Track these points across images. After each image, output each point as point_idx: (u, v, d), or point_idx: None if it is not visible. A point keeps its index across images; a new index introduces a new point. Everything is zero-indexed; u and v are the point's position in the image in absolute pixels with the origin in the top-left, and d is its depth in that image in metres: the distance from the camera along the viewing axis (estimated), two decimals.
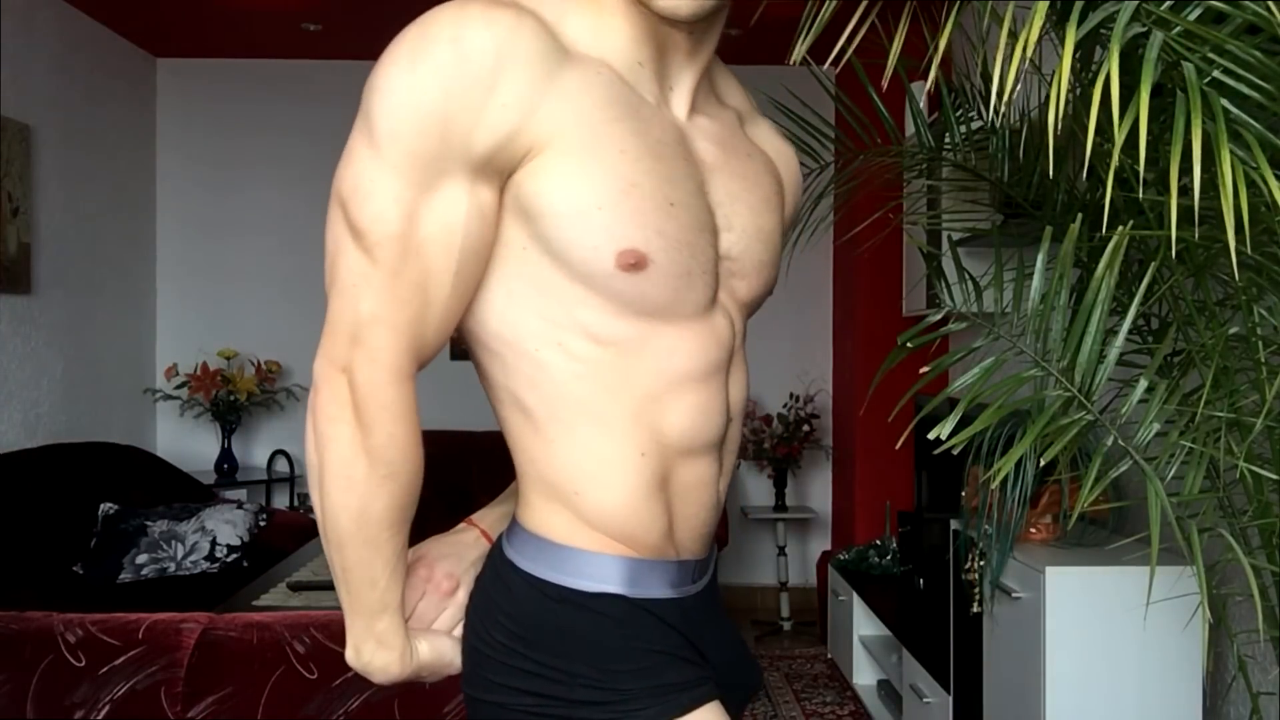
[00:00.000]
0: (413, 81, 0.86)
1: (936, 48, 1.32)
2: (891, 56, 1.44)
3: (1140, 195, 1.33)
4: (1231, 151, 1.12)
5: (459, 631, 1.03)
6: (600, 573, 0.96)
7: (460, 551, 1.07)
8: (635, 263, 0.90)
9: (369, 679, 0.98)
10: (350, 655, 0.97)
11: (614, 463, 0.95)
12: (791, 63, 1.38)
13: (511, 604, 0.98)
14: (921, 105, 2.28)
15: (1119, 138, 1.08)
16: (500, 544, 1.02)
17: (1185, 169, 1.10)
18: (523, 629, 0.96)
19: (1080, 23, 1.17)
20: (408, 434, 0.91)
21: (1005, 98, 1.11)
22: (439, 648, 1.01)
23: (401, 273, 0.88)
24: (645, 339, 0.94)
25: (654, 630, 0.97)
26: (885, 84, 1.64)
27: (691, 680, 0.97)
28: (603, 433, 0.94)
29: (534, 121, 0.88)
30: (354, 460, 0.89)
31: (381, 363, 0.89)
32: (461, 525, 1.12)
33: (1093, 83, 1.25)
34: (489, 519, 1.12)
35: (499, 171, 0.90)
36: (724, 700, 1.01)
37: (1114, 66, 1.05)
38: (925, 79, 1.81)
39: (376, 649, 0.96)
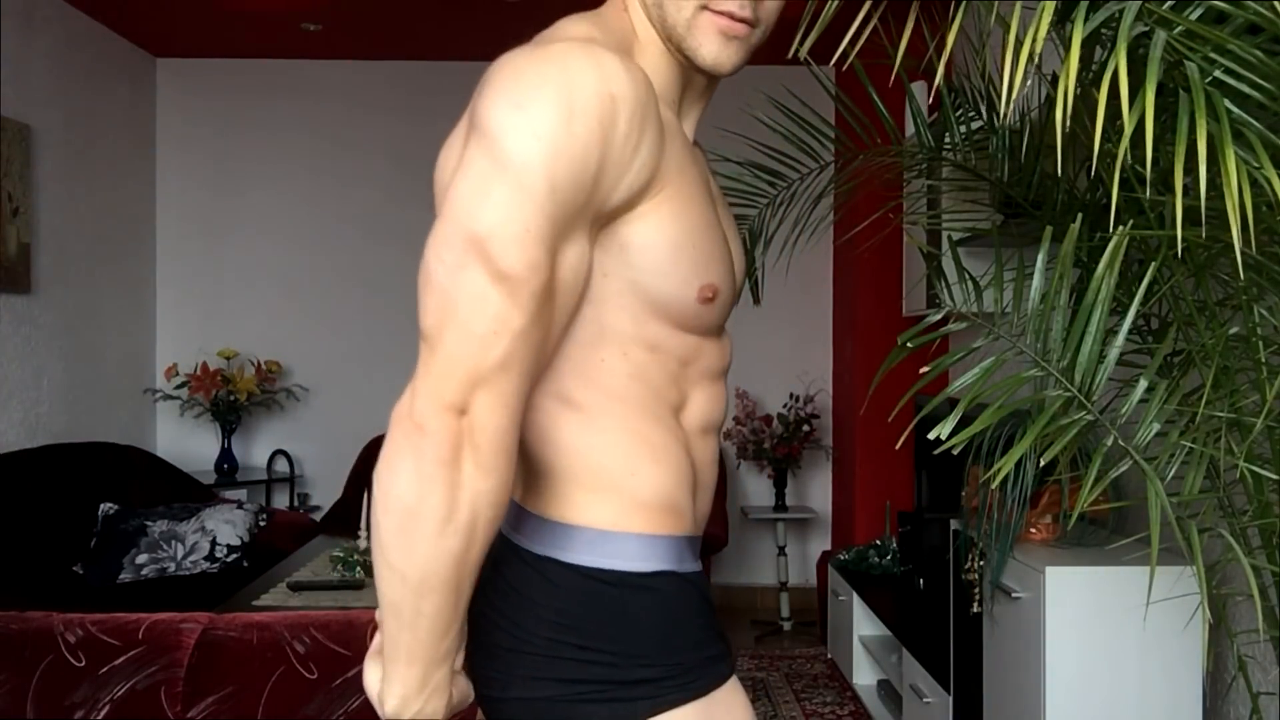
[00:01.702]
0: (574, 136, 0.87)
1: (942, 46, 1.32)
2: (898, 57, 1.44)
3: (1141, 195, 1.33)
4: (1234, 151, 1.12)
5: (459, 664, 1.01)
6: (652, 553, 1.00)
7: None
8: (711, 296, 1.01)
9: None
10: (392, 706, 0.93)
11: (663, 447, 1.02)
12: (792, 55, 1.38)
13: (557, 598, 0.99)
14: (922, 105, 2.27)
15: (1127, 133, 1.08)
16: (520, 547, 1.02)
17: (1188, 169, 1.10)
18: (572, 620, 0.98)
19: (1085, 21, 1.17)
20: (513, 479, 0.91)
21: (1012, 97, 1.11)
22: (463, 687, 0.99)
23: (541, 318, 0.89)
24: (692, 349, 1.04)
25: (699, 603, 1.03)
26: (891, 82, 1.64)
27: (724, 652, 1.04)
28: (653, 422, 1.01)
29: (658, 175, 0.95)
30: (469, 504, 0.87)
31: (511, 407, 0.88)
32: None
33: (1094, 83, 1.25)
34: None
35: (610, 217, 0.94)
36: None
37: (1122, 63, 1.05)
38: (925, 79, 1.81)
39: (429, 699, 0.93)
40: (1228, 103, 1.20)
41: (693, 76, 1.04)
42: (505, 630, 1.00)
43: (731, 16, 0.98)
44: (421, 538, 0.87)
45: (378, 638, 0.99)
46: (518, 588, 1.01)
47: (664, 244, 0.96)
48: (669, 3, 0.99)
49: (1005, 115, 1.91)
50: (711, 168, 1.16)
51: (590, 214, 0.91)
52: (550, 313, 0.90)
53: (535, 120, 0.86)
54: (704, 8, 0.98)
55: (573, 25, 1.00)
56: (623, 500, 1.00)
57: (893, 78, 1.49)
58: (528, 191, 0.86)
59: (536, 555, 1.00)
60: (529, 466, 1.03)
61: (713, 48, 0.99)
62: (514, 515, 1.04)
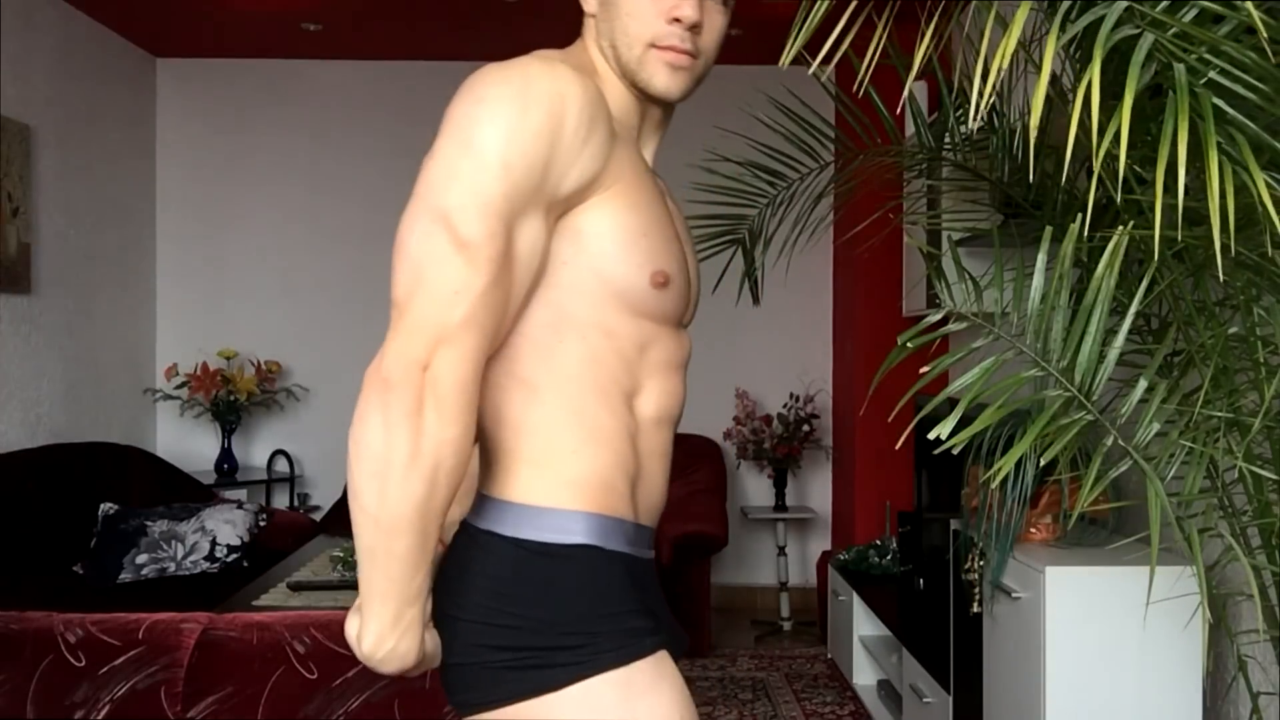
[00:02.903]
0: (527, 124, 1.02)
1: (938, 44, 1.32)
2: (902, 55, 1.44)
3: (1141, 195, 1.33)
4: (1225, 152, 1.12)
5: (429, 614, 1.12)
6: (579, 527, 1.09)
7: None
8: (664, 281, 1.12)
9: (378, 669, 1.04)
10: (368, 644, 1.03)
11: (608, 430, 1.12)
12: (787, 60, 1.39)
13: (491, 566, 1.09)
14: (922, 105, 2.27)
15: (1104, 141, 1.09)
16: (468, 524, 1.13)
17: (1186, 169, 1.10)
18: (503, 586, 1.08)
19: (1064, 28, 1.17)
20: (475, 429, 1.02)
21: (985, 102, 1.15)
22: (436, 639, 1.09)
23: (499, 284, 1.02)
24: (648, 337, 1.14)
25: (622, 580, 1.11)
26: (864, 84, 1.64)
27: (650, 628, 1.11)
28: (601, 405, 1.11)
29: (607, 170, 1.08)
30: (432, 451, 0.98)
31: (473, 361, 1.00)
32: None
33: (1079, 86, 1.25)
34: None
35: (563, 206, 1.07)
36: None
37: (1095, 73, 1.06)
38: (924, 79, 1.81)
39: (401, 636, 1.03)
40: (1222, 104, 1.21)
41: (648, 108, 1.19)
42: (451, 599, 1.10)
43: (675, 49, 1.13)
44: (391, 483, 0.98)
45: (359, 598, 1.07)
46: (460, 560, 1.12)
47: (617, 230, 1.09)
48: (621, 44, 1.15)
49: (985, 119, 1.91)
50: (710, 167, 1.27)
51: (545, 198, 1.04)
52: (508, 281, 1.03)
53: (494, 111, 1.01)
54: (651, 45, 1.13)
55: (541, 53, 1.13)
56: (559, 476, 1.10)
57: (895, 77, 1.49)
58: (487, 171, 1.00)
59: (479, 529, 1.11)
60: (483, 448, 1.14)
61: (662, 78, 1.14)
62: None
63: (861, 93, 1.61)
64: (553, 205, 1.06)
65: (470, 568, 1.10)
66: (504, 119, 1.01)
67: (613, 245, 1.09)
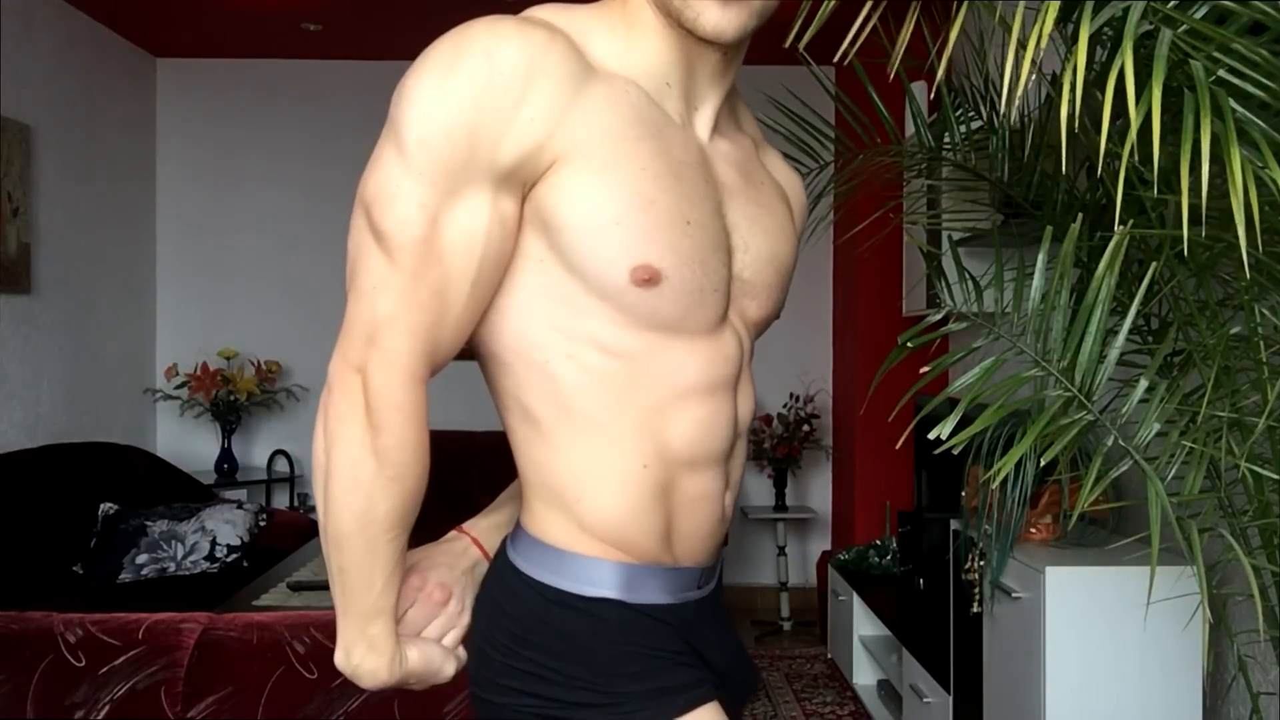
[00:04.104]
0: (444, 91, 0.88)
1: (945, 44, 1.32)
2: (898, 54, 1.44)
3: (1142, 195, 1.33)
4: (1239, 150, 1.12)
5: (449, 640, 1.05)
6: (597, 577, 0.97)
7: (451, 561, 1.09)
8: (649, 278, 0.92)
9: (356, 683, 0.98)
10: (340, 657, 0.97)
11: (616, 473, 0.97)
12: (785, 56, 1.38)
13: (514, 606, 0.99)
14: (921, 105, 2.27)
15: (1133, 132, 1.08)
16: (505, 547, 1.03)
17: (1192, 168, 1.10)
18: (524, 630, 0.98)
19: (1090, 20, 1.17)
20: (417, 437, 0.92)
21: (1018, 96, 1.11)
22: (428, 655, 1.01)
23: (422, 277, 0.90)
24: (654, 352, 0.96)
25: (651, 634, 0.99)
26: (883, 80, 1.64)
27: (688, 683, 0.98)
28: (607, 443, 0.96)
29: (558, 136, 0.90)
30: (362, 460, 0.90)
31: (396, 365, 0.90)
32: (452, 534, 1.13)
33: (1096, 82, 1.25)
34: (480, 527, 1.14)
35: (522, 183, 0.92)
36: (725, 701, 1.02)
37: (1128, 60, 1.05)
38: (925, 79, 1.80)
39: (367, 653, 0.96)
40: (1232, 101, 1.20)
41: (699, 56, 0.98)
42: (480, 630, 1.03)
43: None
44: (331, 494, 0.91)
45: None
46: (491, 589, 1.03)
47: (583, 216, 0.91)
48: None
49: (1004, 115, 1.91)
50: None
51: (483, 173, 0.89)
52: (439, 273, 0.90)
53: (416, 84, 0.89)
54: None
55: (535, 10, 0.98)
56: (571, 521, 0.98)
57: (891, 73, 1.49)
58: (403, 152, 0.89)
59: (508, 560, 1.02)
60: (520, 476, 1.03)
61: (713, 15, 0.93)
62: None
63: (891, 78, 1.57)
64: (502, 181, 0.90)
65: (499, 601, 1.01)
66: (424, 91, 0.88)
67: (576, 236, 0.91)
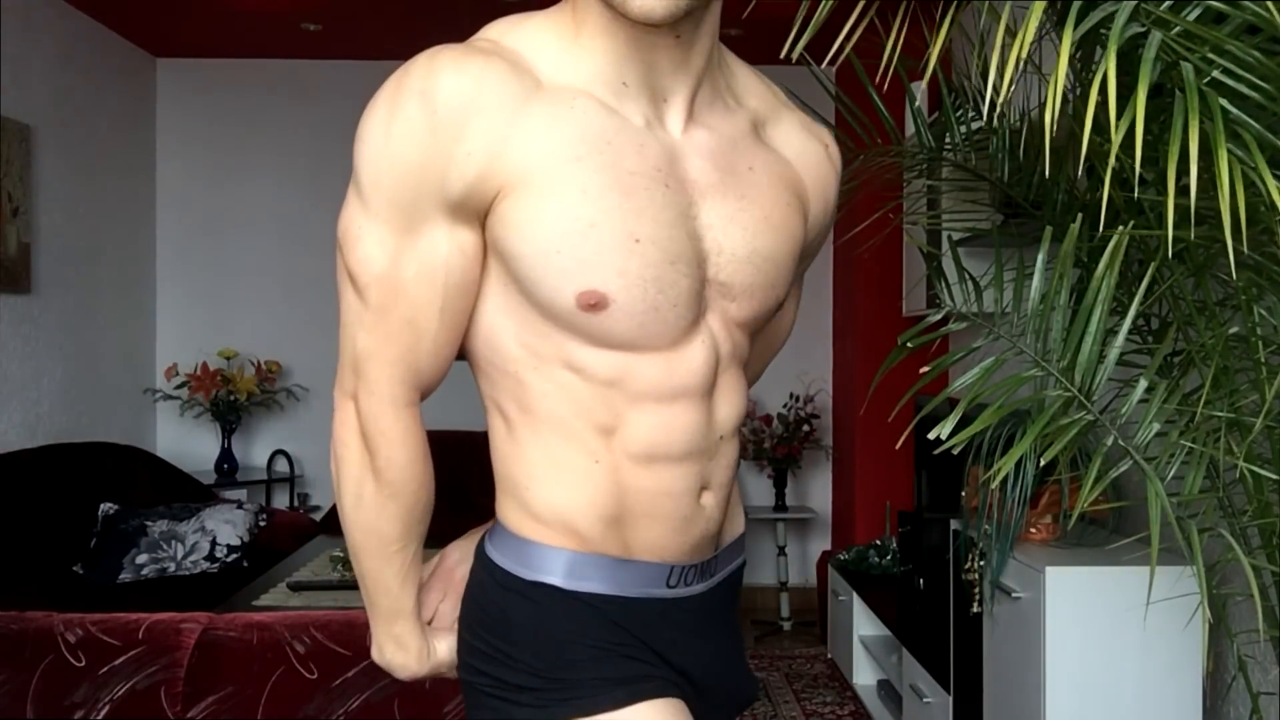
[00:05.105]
0: (388, 134, 0.92)
1: (935, 46, 1.32)
2: (893, 55, 1.44)
3: (1141, 195, 1.33)
4: (1230, 151, 1.12)
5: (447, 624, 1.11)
6: (542, 563, 1.01)
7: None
8: (595, 303, 0.93)
9: (393, 675, 1.07)
10: (374, 653, 1.07)
11: (563, 464, 1.00)
12: (785, 56, 1.38)
13: (479, 589, 1.05)
14: (920, 105, 2.27)
15: (1116, 138, 1.08)
16: (485, 535, 1.09)
17: (1184, 169, 1.10)
18: (482, 612, 1.04)
19: (1078, 24, 1.17)
20: (408, 457, 0.99)
21: (1001, 98, 1.11)
22: (457, 647, 1.07)
23: (390, 310, 0.95)
24: (616, 367, 0.97)
25: (594, 625, 1.00)
26: (881, 80, 1.64)
27: (633, 676, 0.99)
28: (560, 439, 0.99)
29: (498, 167, 0.91)
30: (363, 479, 0.99)
31: (378, 394, 0.97)
32: (475, 529, 1.17)
33: (1093, 82, 1.25)
34: None
35: (474, 213, 0.94)
36: (702, 711, 1.05)
37: (1111, 67, 1.05)
38: (924, 79, 1.81)
39: (396, 650, 1.06)
40: (1225, 103, 1.20)
41: (654, 49, 0.94)
42: (460, 614, 1.08)
43: None
44: (342, 510, 1.02)
45: None
46: (470, 576, 1.08)
47: (528, 244, 0.92)
48: None
49: (998, 115, 1.91)
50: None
51: (437, 204, 0.92)
52: (407, 304, 0.94)
53: (367, 125, 0.94)
54: None
55: (488, 29, 0.99)
56: (522, 509, 1.02)
57: (888, 74, 1.49)
58: (360, 192, 0.94)
59: (482, 547, 1.07)
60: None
61: None
62: None
63: (886, 85, 1.56)
64: (455, 211, 0.92)
65: (471, 585, 1.07)
66: (371, 134, 0.93)
67: (524, 265, 0.93)
